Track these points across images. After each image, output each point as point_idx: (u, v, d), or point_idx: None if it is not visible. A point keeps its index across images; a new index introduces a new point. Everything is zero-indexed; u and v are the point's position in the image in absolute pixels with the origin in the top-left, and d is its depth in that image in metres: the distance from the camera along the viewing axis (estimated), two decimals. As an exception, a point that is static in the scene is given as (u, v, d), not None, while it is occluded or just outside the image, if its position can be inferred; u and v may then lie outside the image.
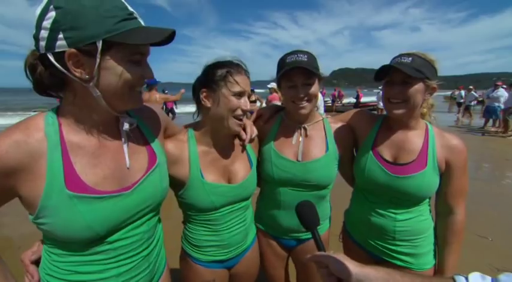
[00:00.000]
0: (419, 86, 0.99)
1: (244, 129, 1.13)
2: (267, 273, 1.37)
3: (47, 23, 0.56)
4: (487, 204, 3.55)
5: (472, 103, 12.30)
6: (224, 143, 1.10)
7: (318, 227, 1.21)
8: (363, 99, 15.58)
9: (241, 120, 1.02)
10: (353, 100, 16.41)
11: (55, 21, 0.55)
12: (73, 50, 0.57)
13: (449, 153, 1.04)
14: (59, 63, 0.58)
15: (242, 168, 1.10)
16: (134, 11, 0.63)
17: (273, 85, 7.67)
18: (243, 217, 1.13)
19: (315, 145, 1.18)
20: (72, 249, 0.67)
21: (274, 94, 7.52)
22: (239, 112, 0.99)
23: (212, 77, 0.98)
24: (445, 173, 1.06)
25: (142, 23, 0.65)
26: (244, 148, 1.15)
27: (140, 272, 0.78)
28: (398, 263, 1.10)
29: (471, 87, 12.64)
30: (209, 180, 1.02)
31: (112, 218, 0.67)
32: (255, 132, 1.16)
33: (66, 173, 0.62)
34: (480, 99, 13.32)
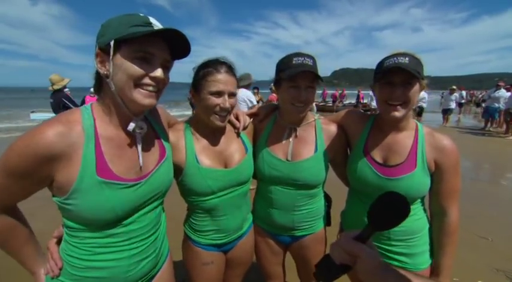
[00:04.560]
0: (417, 87, 0.98)
1: (237, 118, 1.21)
2: (264, 269, 1.39)
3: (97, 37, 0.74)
4: (487, 204, 3.55)
5: (451, 106, 10.41)
6: (218, 132, 1.16)
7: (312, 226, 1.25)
8: (364, 100, 15.54)
9: (223, 116, 1.06)
10: (353, 101, 16.38)
11: (98, 34, 0.74)
12: (98, 50, 0.73)
13: (438, 153, 1.03)
14: (97, 66, 0.75)
15: (237, 153, 1.16)
16: (154, 22, 0.74)
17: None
18: (240, 203, 1.18)
19: (304, 146, 1.21)
20: (91, 232, 0.77)
21: (273, 95, 7.50)
22: (217, 109, 1.03)
23: (196, 78, 1.05)
24: (435, 174, 1.05)
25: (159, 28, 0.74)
26: (238, 135, 1.22)
27: (148, 256, 0.89)
28: (395, 263, 1.10)
29: (454, 87, 10.62)
30: (205, 165, 1.08)
31: (130, 202, 0.79)
32: (248, 120, 1.25)
33: (97, 162, 0.73)
34: (463, 101, 11.84)
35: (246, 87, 3.88)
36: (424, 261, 1.11)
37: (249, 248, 1.30)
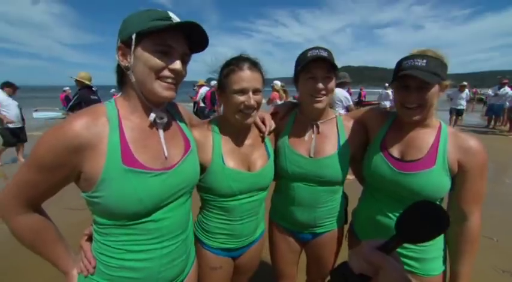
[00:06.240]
0: (435, 89, 0.97)
1: (264, 122, 1.21)
2: (277, 268, 1.37)
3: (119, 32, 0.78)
4: (491, 204, 3.49)
5: (461, 106, 8.75)
6: (244, 134, 1.16)
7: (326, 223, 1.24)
8: (366, 98, 15.50)
9: (248, 113, 1.05)
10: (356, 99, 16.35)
11: (120, 29, 0.78)
12: (120, 44, 0.77)
13: (463, 154, 0.99)
14: (118, 58, 0.78)
15: (261, 157, 1.16)
16: (173, 17, 0.77)
17: (276, 84, 7.59)
18: (257, 210, 1.16)
19: (327, 142, 1.20)
20: (122, 229, 0.77)
21: (275, 93, 7.44)
22: (242, 107, 1.03)
23: (220, 77, 1.07)
24: (459, 176, 1.01)
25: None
26: (263, 139, 1.22)
27: (179, 256, 0.89)
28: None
29: (465, 83, 8.72)
30: (230, 166, 1.07)
31: (158, 192, 0.79)
32: (273, 125, 1.25)
33: (122, 151, 0.74)
34: (467, 99, 10.67)
35: (341, 86, 3.72)
36: (436, 267, 1.08)
37: (258, 254, 1.29)
